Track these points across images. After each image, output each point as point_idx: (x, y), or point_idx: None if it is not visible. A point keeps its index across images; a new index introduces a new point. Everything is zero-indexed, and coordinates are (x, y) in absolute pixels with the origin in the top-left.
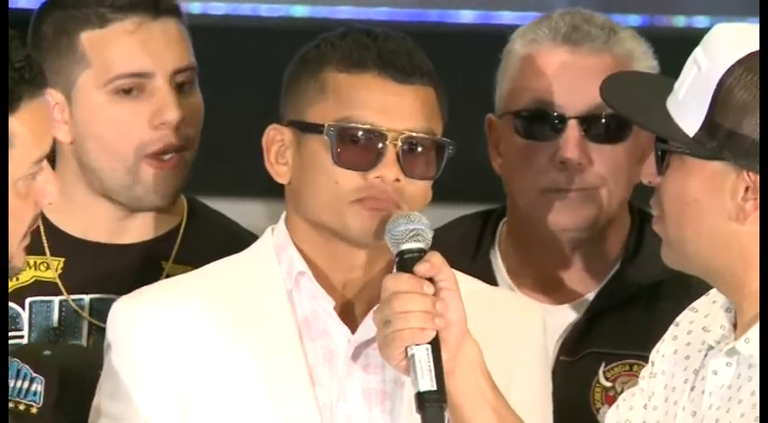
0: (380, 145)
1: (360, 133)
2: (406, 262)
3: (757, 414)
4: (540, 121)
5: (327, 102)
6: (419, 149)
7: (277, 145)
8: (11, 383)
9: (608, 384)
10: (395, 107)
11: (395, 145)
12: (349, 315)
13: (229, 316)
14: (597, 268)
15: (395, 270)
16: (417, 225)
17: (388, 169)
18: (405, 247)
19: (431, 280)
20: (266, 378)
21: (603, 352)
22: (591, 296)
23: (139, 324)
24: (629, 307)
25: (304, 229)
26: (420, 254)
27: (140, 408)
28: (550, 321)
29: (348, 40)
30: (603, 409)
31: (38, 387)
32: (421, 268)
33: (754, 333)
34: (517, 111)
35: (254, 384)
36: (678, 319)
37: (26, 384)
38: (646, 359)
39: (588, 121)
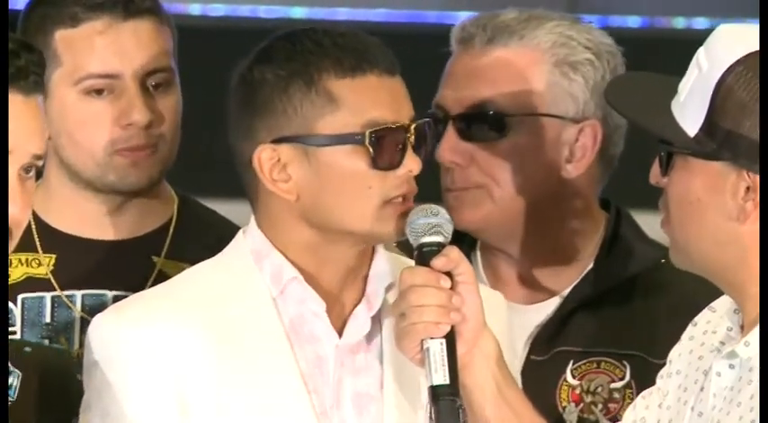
0: (403, 140)
1: (391, 133)
2: (424, 255)
3: (754, 417)
4: (437, 123)
5: (341, 111)
6: (422, 136)
7: (270, 163)
8: None
9: (575, 382)
10: (398, 101)
11: (409, 137)
12: (334, 318)
13: (216, 325)
14: (571, 266)
15: (414, 263)
16: (437, 219)
17: (412, 162)
18: (424, 240)
19: (449, 274)
20: (262, 387)
21: (573, 350)
22: (565, 294)
23: (126, 339)
24: (602, 304)
25: (298, 235)
26: (438, 248)
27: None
28: (525, 320)
29: (325, 43)
30: (570, 407)
31: (14, 381)
32: (438, 262)
33: (753, 336)
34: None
35: (250, 394)
36: (696, 318)
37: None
38: (614, 356)
39: (462, 121)
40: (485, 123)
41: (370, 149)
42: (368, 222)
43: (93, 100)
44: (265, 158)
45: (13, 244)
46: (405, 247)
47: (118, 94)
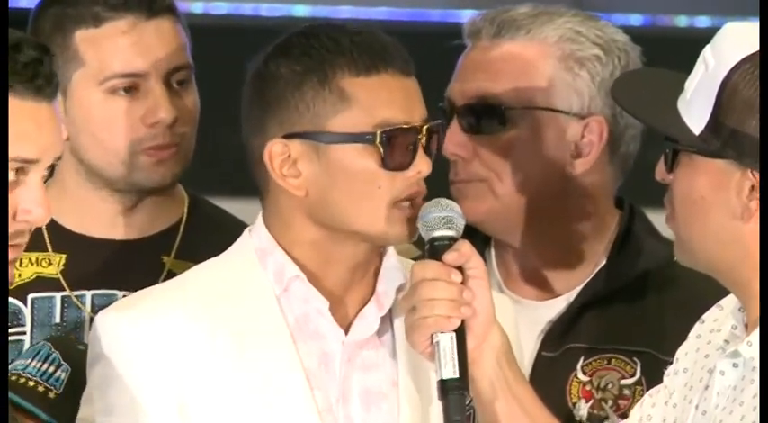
0: (414, 141)
1: (403, 134)
2: (435, 249)
3: (755, 417)
4: (444, 116)
5: (353, 109)
6: (433, 138)
7: (281, 158)
8: (38, 365)
9: (585, 379)
10: (412, 101)
11: (421, 138)
12: (341, 316)
13: (220, 322)
14: (583, 264)
15: (426, 257)
16: (449, 212)
17: (422, 163)
18: (435, 234)
19: (460, 268)
20: (264, 384)
21: (583, 347)
22: (577, 291)
23: (131, 335)
24: (613, 301)
25: (305, 233)
26: (450, 242)
27: (140, 419)
28: (537, 316)
29: (342, 42)
30: (580, 403)
31: (62, 375)
32: (449, 257)
33: (756, 336)
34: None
35: (252, 391)
36: (704, 316)
37: (52, 369)
38: (625, 353)
39: (466, 113)
40: (487, 116)
41: (381, 149)
42: (376, 223)
43: (119, 99)
44: (276, 153)
45: (24, 243)
46: (420, 244)
47: (143, 93)
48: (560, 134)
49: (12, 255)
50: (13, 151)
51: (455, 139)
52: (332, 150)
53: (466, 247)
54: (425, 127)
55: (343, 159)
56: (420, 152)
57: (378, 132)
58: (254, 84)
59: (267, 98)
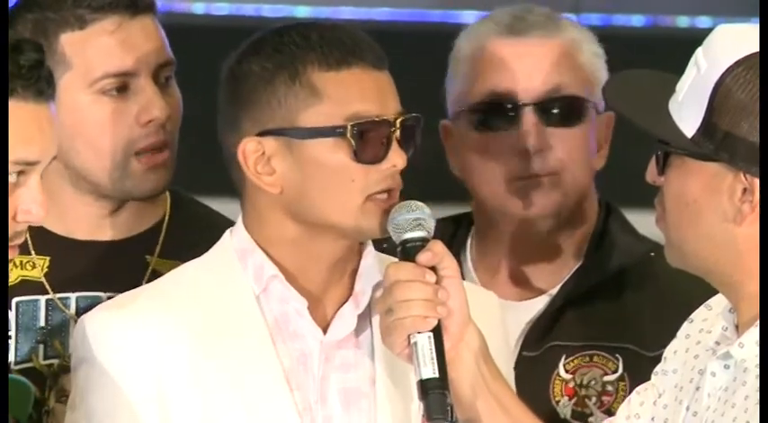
0: (387, 134)
1: (375, 127)
2: (408, 251)
3: (748, 419)
4: (496, 112)
5: (324, 104)
6: (409, 131)
7: (255, 156)
8: None
9: (567, 376)
10: (384, 95)
11: (395, 131)
12: (319, 315)
13: (200, 324)
14: (563, 262)
15: (398, 259)
16: (419, 214)
17: (397, 156)
18: (407, 236)
19: (433, 269)
20: (243, 385)
21: (565, 345)
22: (556, 290)
23: (111, 339)
24: (593, 299)
25: (283, 230)
26: (422, 243)
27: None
28: (517, 317)
29: (312, 38)
30: (563, 401)
31: None
32: (423, 257)
33: (747, 337)
34: (472, 106)
35: (232, 392)
36: (692, 316)
37: None
38: (607, 350)
39: (542, 107)
40: (564, 109)
41: (353, 142)
42: (351, 216)
43: (108, 100)
44: (250, 151)
45: (20, 242)
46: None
47: (133, 92)
48: (595, 127)
49: (10, 255)
50: (18, 154)
51: (534, 133)
52: (304, 146)
53: (438, 246)
54: (399, 120)
55: (316, 154)
56: (394, 145)
57: (349, 125)
58: (228, 82)
59: (241, 96)
